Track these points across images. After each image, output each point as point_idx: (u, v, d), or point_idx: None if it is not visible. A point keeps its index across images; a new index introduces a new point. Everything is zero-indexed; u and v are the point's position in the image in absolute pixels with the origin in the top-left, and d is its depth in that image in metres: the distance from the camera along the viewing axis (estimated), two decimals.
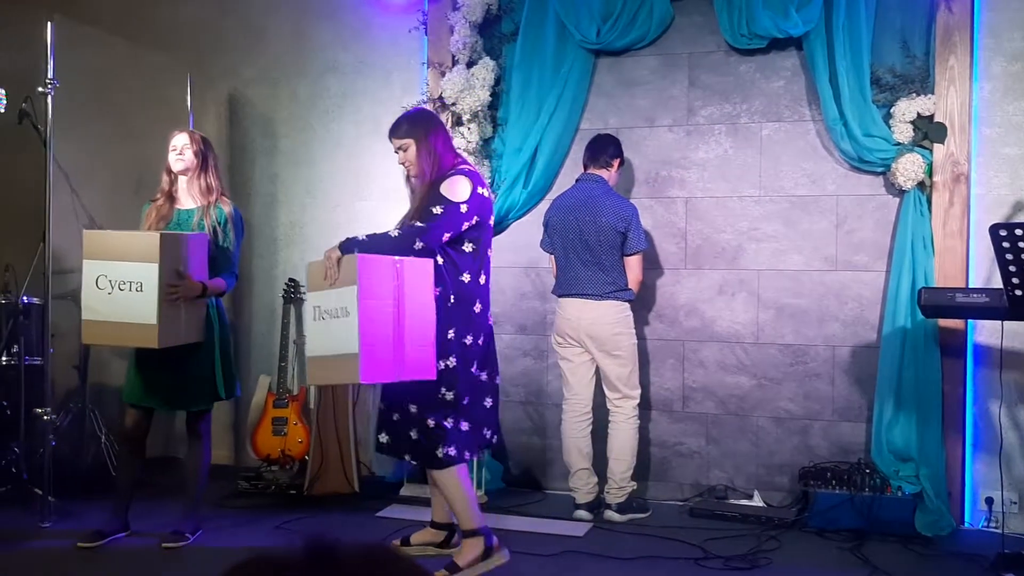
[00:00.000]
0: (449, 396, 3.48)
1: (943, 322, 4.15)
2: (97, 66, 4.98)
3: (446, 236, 3.43)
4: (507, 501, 4.61)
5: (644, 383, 4.61)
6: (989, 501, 4.16)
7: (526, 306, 4.94)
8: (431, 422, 3.48)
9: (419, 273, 3.33)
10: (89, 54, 4.88)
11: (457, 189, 3.45)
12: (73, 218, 4.72)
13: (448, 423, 3.49)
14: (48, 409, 4.23)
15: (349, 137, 5.25)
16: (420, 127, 3.56)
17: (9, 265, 4.81)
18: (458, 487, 3.52)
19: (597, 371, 4.37)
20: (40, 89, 4.19)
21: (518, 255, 4.94)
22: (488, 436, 3.67)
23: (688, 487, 4.67)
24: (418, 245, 3.36)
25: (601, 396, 4.39)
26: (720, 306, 4.64)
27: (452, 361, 3.47)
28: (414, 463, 3.64)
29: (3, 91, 4.51)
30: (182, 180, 3.92)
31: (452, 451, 3.50)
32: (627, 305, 4.31)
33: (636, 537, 4.06)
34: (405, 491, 4.70)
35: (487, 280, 3.61)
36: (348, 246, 3.30)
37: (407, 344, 3.28)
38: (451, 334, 3.47)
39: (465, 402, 3.53)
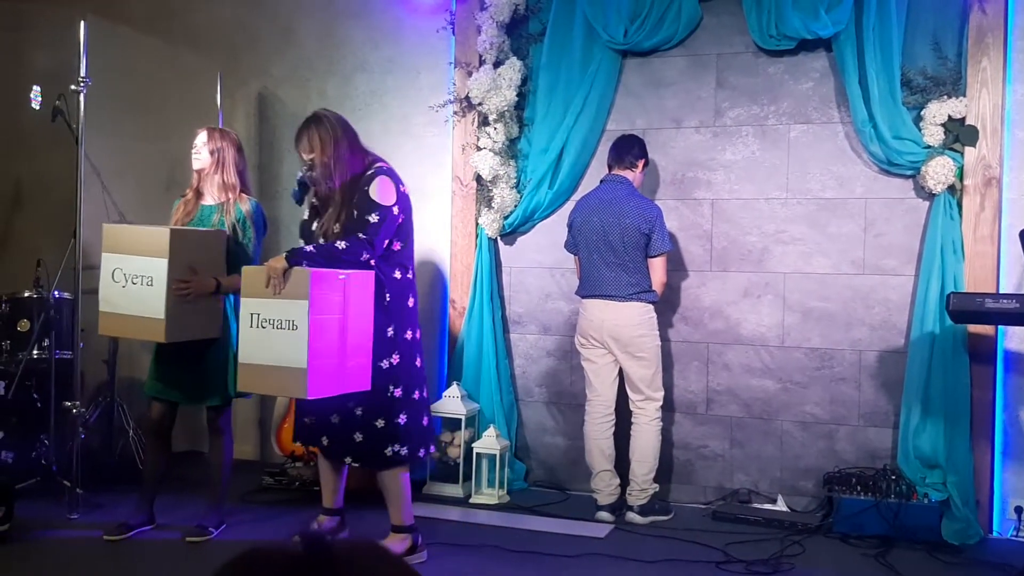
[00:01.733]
0: (397, 393, 3.53)
1: (972, 328, 4.10)
2: (129, 65, 5.06)
3: (386, 242, 3.49)
4: (529, 501, 4.61)
5: (668, 385, 4.59)
6: (1018, 510, 4.10)
7: (551, 306, 4.94)
8: (380, 422, 3.51)
9: (362, 287, 3.38)
10: (121, 53, 4.95)
11: (386, 192, 3.50)
12: (104, 215, 4.80)
13: (402, 420, 3.55)
14: (77, 403, 4.29)
15: (377, 136, 5.26)
16: (317, 137, 3.52)
17: (41, 260, 4.89)
18: (401, 484, 3.62)
19: (620, 372, 4.36)
20: (73, 87, 4.25)
21: (543, 255, 4.94)
22: (435, 428, 3.81)
23: (711, 490, 4.65)
24: (364, 257, 3.41)
25: (624, 397, 4.38)
26: (745, 309, 4.61)
27: (396, 358, 3.53)
28: (356, 465, 3.65)
29: (38, 88, 4.59)
30: (203, 176, 3.98)
31: (403, 450, 3.57)
32: (651, 307, 4.29)
33: (658, 539, 4.04)
34: (428, 489, 4.72)
35: (413, 274, 3.68)
36: (296, 259, 3.32)
37: (348, 358, 3.33)
38: (391, 331, 3.53)
39: (416, 396, 3.61)
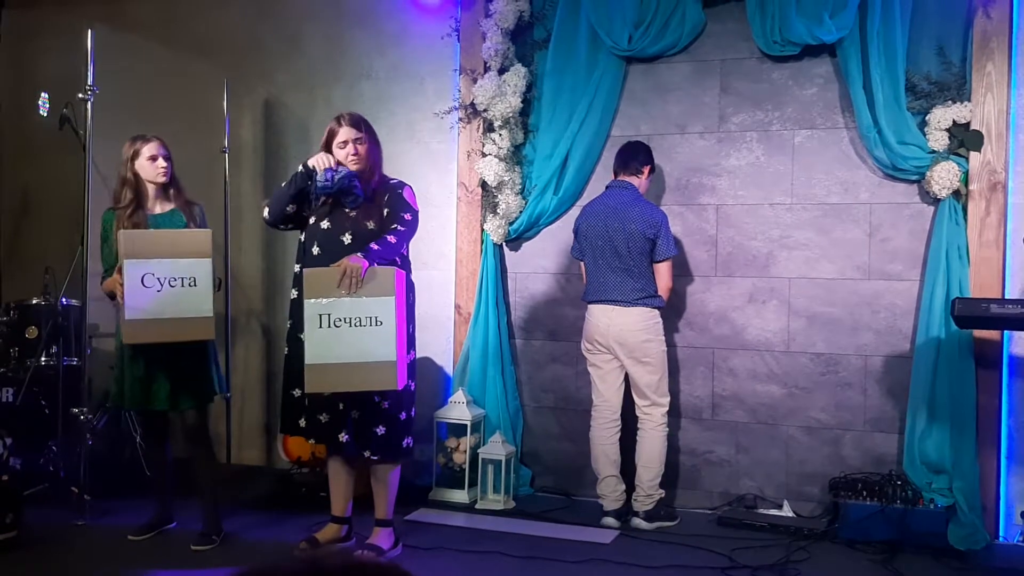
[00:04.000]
0: (412, 387, 3.73)
1: (978, 333, 4.09)
2: (136, 72, 5.08)
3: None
4: (535, 507, 4.62)
5: (674, 391, 4.59)
6: None
7: (557, 312, 4.95)
8: (403, 415, 3.69)
9: (400, 284, 3.55)
10: (128, 61, 4.97)
11: (415, 200, 3.80)
12: None
13: (413, 413, 3.76)
14: (85, 409, 4.31)
15: (383, 142, 5.23)
16: (373, 133, 3.82)
17: (49, 267, 4.91)
18: (397, 478, 3.80)
19: (626, 378, 4.36)
20: (80, 95, 4.28)
21: (549, 261, 4.95)
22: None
23: (717, 496, 4.65)
24: (404, 251, 3.68)
25: (631, 403, 4.38)
26: (751, 314, 4.61)
27: (413, 353, 3.74)
28: (375, 458, 3.71)
29: (46, 95, 4.62)
30: (151, 186, 3.90)
31: (411, 441, 3.77)
32: (656, 312, 4.30)
33: (663, 545, 4.04)
34: (434, 495, 4.73)
35: None
36: (371, 257, 3.47)
37: (406, 351, 3.56)
38: (411, 328, 3.73)
39: (414, 390, 3.81)
